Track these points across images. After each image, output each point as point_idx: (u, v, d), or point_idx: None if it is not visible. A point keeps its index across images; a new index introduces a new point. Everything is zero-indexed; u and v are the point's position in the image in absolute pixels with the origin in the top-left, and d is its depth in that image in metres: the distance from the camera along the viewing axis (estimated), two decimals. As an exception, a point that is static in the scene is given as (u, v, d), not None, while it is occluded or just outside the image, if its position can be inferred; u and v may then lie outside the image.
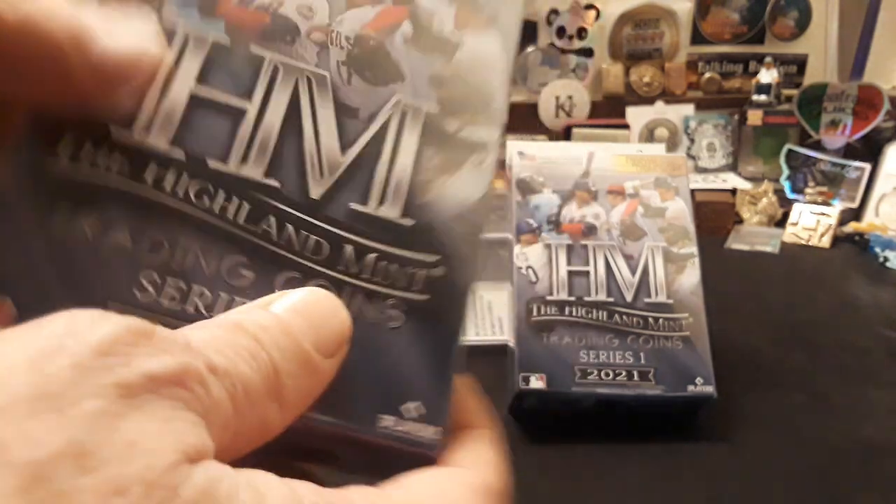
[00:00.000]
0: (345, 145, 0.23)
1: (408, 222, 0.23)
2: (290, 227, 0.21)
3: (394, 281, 0.22)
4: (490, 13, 0.27)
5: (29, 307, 0.16)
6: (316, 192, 0.22)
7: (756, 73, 1.38)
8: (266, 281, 0.20)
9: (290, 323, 0.18)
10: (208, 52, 0.21)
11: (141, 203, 0.19)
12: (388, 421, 0.20)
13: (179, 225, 0.19)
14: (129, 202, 0.19)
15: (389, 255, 0.23)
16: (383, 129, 0.24)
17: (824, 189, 1.21)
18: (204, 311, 0.19)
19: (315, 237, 0.21)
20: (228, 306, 0.19)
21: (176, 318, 0.18)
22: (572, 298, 0.65)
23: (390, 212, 0.23)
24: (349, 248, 0.22)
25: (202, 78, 0.21)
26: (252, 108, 0.21)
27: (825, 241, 1.12)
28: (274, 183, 0.21)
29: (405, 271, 0.23)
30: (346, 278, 0.22)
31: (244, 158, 0.21)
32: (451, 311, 0.23)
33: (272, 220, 0.21)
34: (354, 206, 0.23)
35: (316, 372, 0.18)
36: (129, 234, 0.18)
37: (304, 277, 0.21)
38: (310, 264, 0.21)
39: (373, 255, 0.22)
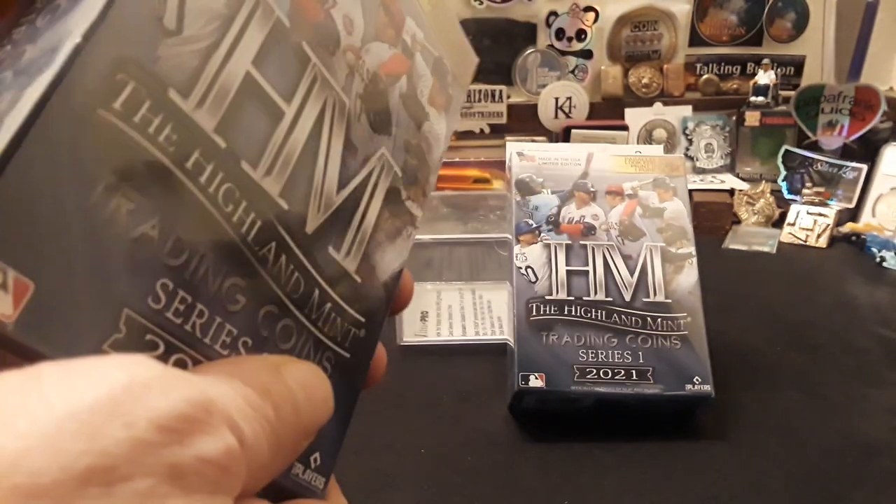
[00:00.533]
0: (341, 185, 0.22)
1: (358, 279, 0.23)
2: (283, 258, 0.20)
3: (335, 334, 0.22)
4: (448, 98, 0.28)
5: (49, 291, 0.14)
6: (311, 226, 0.21)
7: (754, 74, 1.38)
8: (251, 311, 0.19)
9: (299, 402, 0.17)
10: (270, 30, 0.19)
11: (177, 191, 0.17)
12: (298, 469, 0.21)
13: (203, 230, 0.18)
14: (167, 187, 0.16)
15: (339, 308, 0.23)
16: (367, 178, 0.24)
17: (821, 189, 1.21)
18: (199, 335, 0.18)
19: (298, 274, 0.21)
20: (218, 332, 0.18)
21: (174, 336, 0.17)
22: (571, 298, 0.66)
23: (350, 265, 0.23)
24: (317, 293, 0.22)
25: (258, 60, 0.19)
26: (289, 114, 0.20)
27: (822, 242, 1.12)
28: (284, 205, 0.20)
29: (344, 326, 0.23)
30: (307, 323, 0.21)
31: (269, 169, 0.19)
32: (362, 372, 0.24)
33: (273, 245, 0.20)
34: (332, 251, 0.22)
35: (298, 452, 0.18)
36: (159, 227, 0.16)
37: (280, 314, 0.20)
38: (287, 301, 0.21)
39: (329, 305, 0.22)
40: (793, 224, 1.15)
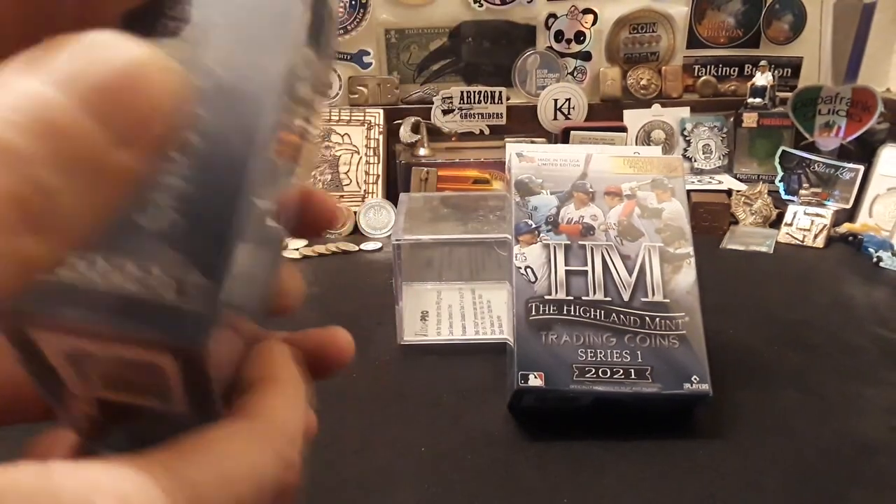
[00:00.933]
0: None
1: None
2: None
3: None
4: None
5: None
6: None
7: (751, 76, 1.39)
8: None
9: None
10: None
11: None
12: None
13: None
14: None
15: None
16: None
17: (818, 190, 1.22)
18: None
19: None
20: None
21: None
22: (570, 298, 0.66)
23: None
24: None
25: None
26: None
27: (819, 242, 1.13)
28: None
29: None
30: None
31: None
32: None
33: None
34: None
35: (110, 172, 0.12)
36: None
37: None
38: None
39: None
40: (790, 224, 1.16)
